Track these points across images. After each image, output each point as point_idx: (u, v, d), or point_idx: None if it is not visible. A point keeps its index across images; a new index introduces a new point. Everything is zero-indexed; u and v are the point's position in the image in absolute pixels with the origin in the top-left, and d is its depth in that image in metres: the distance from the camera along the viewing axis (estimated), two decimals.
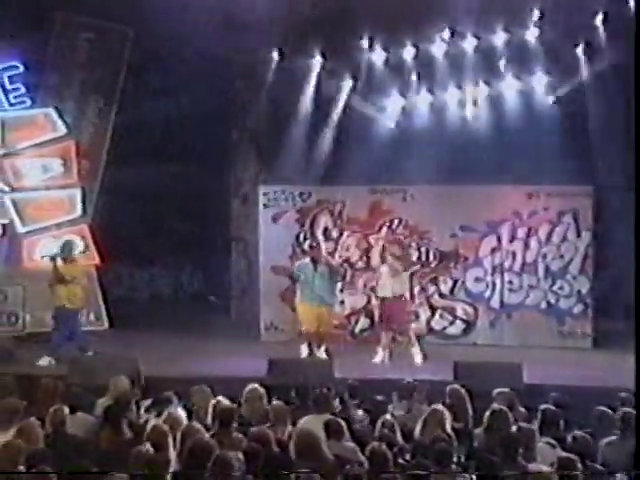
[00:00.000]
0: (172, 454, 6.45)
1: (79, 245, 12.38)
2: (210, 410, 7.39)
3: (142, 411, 7.98)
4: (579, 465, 6.26)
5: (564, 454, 6.50)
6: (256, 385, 8.26)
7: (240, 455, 6.21)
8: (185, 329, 13.19)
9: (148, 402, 8.11)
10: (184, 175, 14.59)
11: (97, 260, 13.48)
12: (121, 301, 14.08)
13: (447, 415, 7.59)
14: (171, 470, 6.14)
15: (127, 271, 15.54)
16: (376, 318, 12.44)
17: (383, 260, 12.16)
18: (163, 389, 8.35)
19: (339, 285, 12.75)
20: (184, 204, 14.83)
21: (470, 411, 8.16)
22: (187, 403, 7.96)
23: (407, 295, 12.13)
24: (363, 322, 13.45)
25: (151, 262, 15.81)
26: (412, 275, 12.65)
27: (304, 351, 11.97)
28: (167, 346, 12.07)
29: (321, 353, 11.95)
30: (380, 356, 11.78)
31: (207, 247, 14.44)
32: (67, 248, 11.87)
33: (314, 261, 12.11)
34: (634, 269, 10.72)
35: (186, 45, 12.24)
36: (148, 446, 6.30)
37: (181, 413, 7.37)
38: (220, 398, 7.62)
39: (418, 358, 11.72)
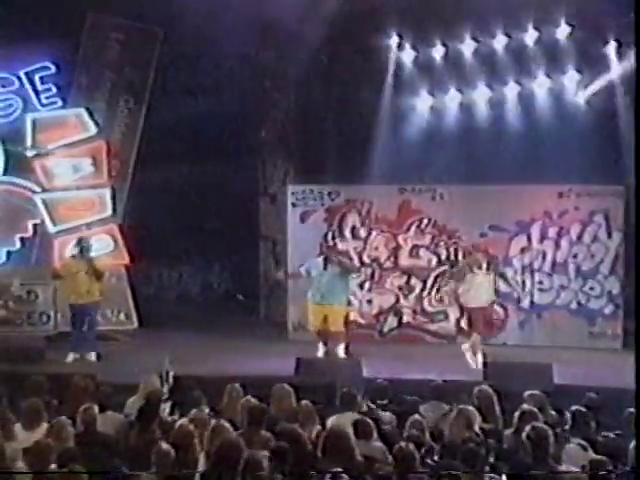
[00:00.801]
0: (199, 453, 6.49)
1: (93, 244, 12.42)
2: (239, 409, 7.41)
3: (170, 410, 8.03)
4: (610, 467, 6.22)
5: (595, 456, 6.45)
6: (284, 384, 8.29)
7: (268, 454, 6.23)
8: (213, 328, 13.25)
9: (176, 401, 8.16)
10: (213, 174, 14.62)
11: (127, 260, 13.56)
12: (150, 300, 14.14)
13: (476, 415, 7.57)
14: (199, 469, 6.17)
15: (156, 270, 15.60)
16: (464, 325, 12.25)
17: (471, 269, 11.78)
18: (192, 388, 8.40)
19: (351, 284, 12.54)
20: (213, 203, 14.87)
21: (499, 412, 8.14)
22: (215, 402, 7.99)
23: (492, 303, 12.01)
24: (391, 321, 13.43)
25: (180, 261, 15.84)
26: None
27: (320, 350, 11.83)
28: (195, 345, 12.12)
29: (340, 352, 11.85)
30: (468, 356, 11.53)
31: (236, 246, 14.45)
32: (84, 246, 11.92)
33: (325, 260, 12.08)
34: (634, 269, 10.71)
35: (215, 45, 12.29)
36: (170, 445, 6.34)
37: (209, 412, 7.40)
38: (249, 397, 7.65)
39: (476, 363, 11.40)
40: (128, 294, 13.68)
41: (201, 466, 6.31)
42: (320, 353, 11.86)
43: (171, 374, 9.23)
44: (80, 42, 13.68)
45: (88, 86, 13.82)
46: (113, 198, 13.59)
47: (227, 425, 6.92)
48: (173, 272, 16.02)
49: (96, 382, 8.79)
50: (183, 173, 14.73)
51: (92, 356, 11.65)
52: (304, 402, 7.90)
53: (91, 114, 13.55)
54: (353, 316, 12.87)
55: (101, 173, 13.57)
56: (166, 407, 8.06)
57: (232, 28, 11.86)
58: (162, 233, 14.31)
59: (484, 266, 11.70)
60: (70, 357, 11.50)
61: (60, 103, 13.64)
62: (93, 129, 13.57)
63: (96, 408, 7.41)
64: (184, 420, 7.10)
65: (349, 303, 12.53)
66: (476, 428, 7.48)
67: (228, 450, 6.12)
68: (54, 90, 13.58)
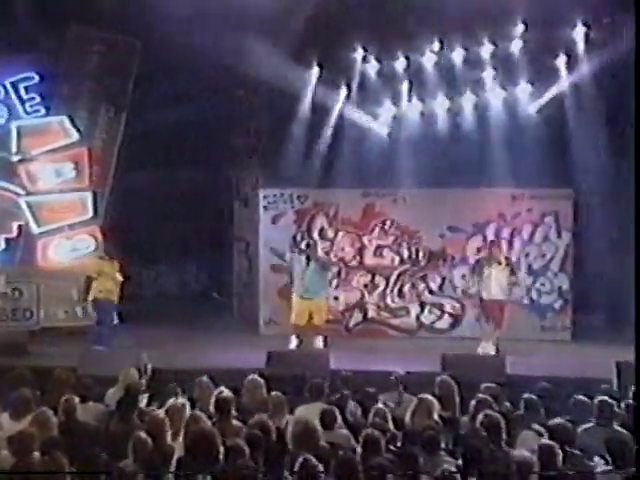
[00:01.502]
0: (176, 442, 6.45)
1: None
2: (212, 400, 7.38)
3: (147, 401, 7.97)
4: (559, 451, 6.27)
5: (545, 441, 6.50)
6: (256, 376, 8.27)
7: (242, 442, 6.20)
8: (190, 324, 13.19)
9: (154, 393, 8.11)
10: (189, 179, 14.58)
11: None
12: (129, 298, 14.04)
13: (435, 404, 7.60)
14: (175, 457, 6.14)
15: (135, 270, 15.47)
16: (480, 317, 12.02)
17: (490, 264, 11.63)
18: (168, 381, 8.35)
19: (329, 280, 12.66)
20: (189, 207, 14.82)
21: (457, 400, 8.18)
22: (191, 394, 7.95)
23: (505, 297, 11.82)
24: (357, 316, 13.46)
25: (158, 261, 15.78)
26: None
27: (293, 342, 11.89)
28: (172, 340, 12.06)
29: (318, 344, 11.92)
30: (482, 347, 11.48)
31: (210, 247, 14.43)
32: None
33: (307, 257, 12.12)
34: (634, 269, 10.81)
35: (190, 56, 12.23)
36: (148, 434, 6.30)
37: (185, 403, 7.35)
38: (222, 388, 7.61)
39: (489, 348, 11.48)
40: None
41: (177, 454, 6.27)
42: (292, 345, 11.91)
43: (149, 367, 9.17)
44: (63, 53, 13.57)
45: (70, 95, 13.72)
46: (94, 201, 13.52)
47: (202, 415, 6.89)
48: (151, 271, 15.96)
49: (77, 374, 8.71)
50: (161, 178, 14.67)
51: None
52: (274, 393, 7.89)
53: (73, 122, 13.47)
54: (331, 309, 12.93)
55: (83, 177, 13.49)
56: (144, 398, 8.01)
57: (206, 39, 11.82)
58: (141, 234, 14.24)
59: (503, 262, 11.61)
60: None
61: (44, 111, 13.53)
62: (75, 136, 13.48)
63: (77, 399, 7.35)
64: (161, 410, 7.05)
65: None
66: (435, 416, 7.51)
67: (203, 439, 6.09)
68: (38, 99, 13.47)
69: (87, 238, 13.38)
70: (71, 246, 13.44)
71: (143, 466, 5.92)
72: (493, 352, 11.27)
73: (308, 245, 12.94)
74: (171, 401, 7.31)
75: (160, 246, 14.80)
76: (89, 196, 13.50)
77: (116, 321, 11.86)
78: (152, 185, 14.58)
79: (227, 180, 14.70)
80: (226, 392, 7.45)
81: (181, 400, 7.37)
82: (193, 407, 7.28)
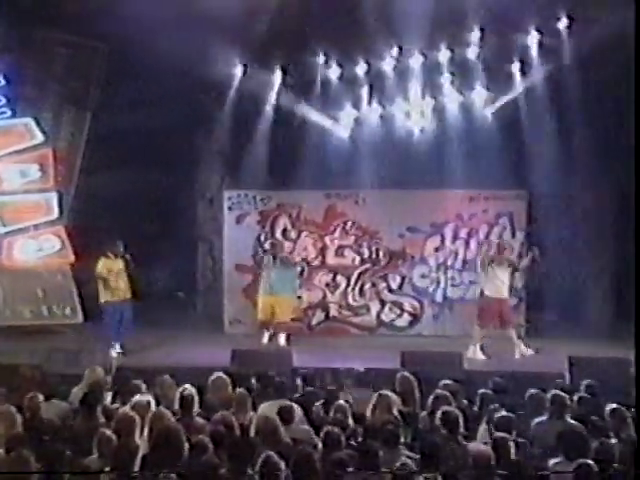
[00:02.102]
0: (141, 439, 6.41)
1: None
2: (176, 397, 7.34)
3: (112, 398, 7.91)
4: (511, 443, 6.34)
5: (499, 433, 6.57)
6: (220, 373, 8.25)
7: (206, 439, 6.18)
8: (155, 323, 13.07)
9: (119, 390, 8.04)
10: (154, 181, 14.44)
11: (72, 259, 13.35)
12: (95, 296, 13.92)
13: (395, 400, 7.64)
14: (140, 454, 6.09)
15: None
16: (479, 313, 11.77)
17: (492, 261, 11.63)
18: (134, 378, 8.29)
19: (296, 278, 12.79)
20: (154, 207, 14.69)
21: (417, 396, 8.23)
22: (155, 392, 7.89)
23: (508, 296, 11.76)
24: (319, 315, 13.47)
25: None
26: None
27: (265, 338, 12.18)
28: (138, 338, 11.96)
29: (281, 340, 12.14)
30: (471, 351, 11.35)
31: (175, 247, 14.30)
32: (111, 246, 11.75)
33: (274, 256, 12.37)
34: (634, 269, 10.93)
35: (155, 59, 12.15)
36: (113, 431, 6.25)
37: (149, 400, 7.31)
38: (186, 386, 7.58)
39: (527, 352, 11.40)
40: (74, 290, 13.47)
41: (142, 451, 6.22)
42: (265, 340, 12.15)
43: (114, 365, 9.10)
44: (28, 56, 13.39)
45: (36, 97, 13.52)
46: (59, 201, 13.37)
47: (166, 412, 6.85)
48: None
49: (42, 372, 8.62)
50: (126, 179, 14.49)
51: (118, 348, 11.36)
52: (239, 390, 7.88)
53: (38, 123, 13.30)
54: (299, 307, 13.00)
55: (48, 178, 13.33)
56: (109, 396, 7.94)
57: (170, 44, 11.76)
58: (106, 234, 14.07)
59: (505, 262, 11.60)
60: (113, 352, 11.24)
61: (9, 113, 13.31)
62: (40, 137, 13.32)
63: (41, 396, 7.27)
64: (126, 407, 7.00)
65: None
66: (395, 411, 7.55)
67: (168, 436, 6.06)
68: (4, 101, 13.26)
69: (52, 238, 13.25)
70: (37, 246, 13.29)
71: (108, 463, 5.87)
72: (482, 357, 11.21)
73: (273, 244, 12.97)
74: (136, 398, 7.26)
75: (125, 246, 14.63)
76: (54, 197, 13.35)
77: (132, 319, 11.64)
78: (117, 186, 14.42)
79: (191, 181, 14.61)
80: (190, 389, 7.42)
81: (145, 397, 7.33)
82: (158, 404, 7.24)
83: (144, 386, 7.88)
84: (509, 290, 11.73)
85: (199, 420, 6.96)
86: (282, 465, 5.66)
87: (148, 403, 7.15)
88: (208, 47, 12.75)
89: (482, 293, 11.73)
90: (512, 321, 11.70)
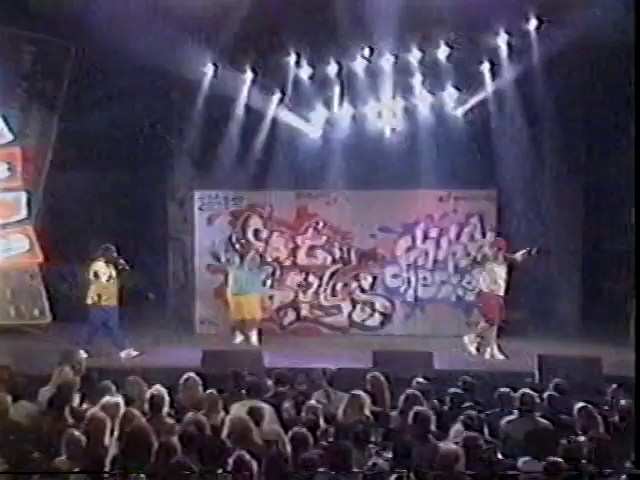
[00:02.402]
0: (110, 440, 6.36)
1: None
2: (147, 398, 7.29)
3: (80, 399, 7.83)
4: (482, 442, 6.37)
5: (469, 433, 6.60)
6: (192, 374, 8.21)
7: (176, 440, 6.15)
8: (125, 323, 12.97)
9: (88, 391, 7.97)
10: (124, 180, 14.37)
11: (41, 258, 13.22)
12: (64, 297, 13.80)
13: (367, 400, 7.64)
14: (110, 455, 6.04)
15: (69, 269, 15.20)
16: (485, 310, 11.77)
17: (496, 258, 11.55)
18: (104, 378, 8.22)
19: (264, 277, 12.91)
20: (125, 207, 14.58)
21: (387, 396, 8.25)
22: (125, 392, 7.83)
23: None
24: (290, 315, 13.46)
25: (92, 261, 15.48)
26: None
27: (238, 338, 12.27)
28: (107, 339, 11.85)
29: (253, 339, 12.24)
30: (474, 347, 11.44)
31: (146, 248, 14.21)
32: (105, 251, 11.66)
33: (241, 256, 12.53)
34: (634, 269, 11.02)
35: (125, 59, 12.07)
36: (82, 432, 6.19)
37: (119, 401, 7.25)
38: (157, 387, 7.53)
39: (499, 355, 11.38)
40: (42, 291, 13.34)
41: (112, 452, 6.17)
42: (237, 340, 12.20)
43: (83, 365, 9.01)
44: None
45: (4, 96, 13.36)
46: (28, 201, 13.23)
47: (137, 412, 6.80)
48: (85, 271, 15.63)
49: (10, 373, 8.51)
50: (96, 179, 14.41)
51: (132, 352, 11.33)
52: (209, 391, 7.85)
53: (7, 122, 13.15)
54: (267, 305, 13.06)
55: (16, 177, 13.18)
56: (77, 397, 7.86)
57: (140, 43, 11.69)
58: (76, 234, 13.96)
59: (500, 258, 11.56)
60: (123, 353, 11.22)
61: None
62: (8, 136, 13.17)
63: (9, 398, 7.18)
64: (95, 408, 6.94)
65: None
66: (367, 411, 7.56)
67: (138, 437, 6.02)
68: None
69: (21, 238, 13.10)
70: (5, 245, 13.14)
71: (77, 464, 5.82)
72: (501, 357, 11.19)
73: (242, 245, 12.95)
74: (105, 399, 7.20)
75: (95, 246, 14.51)
76: (23, 196, 13.21)
77: (117, 324, 11.55)
78: (87, 185, 14.33)
79: (162, 181, 14.53)
80: (160, 390, 7.37)
81: (115, 398, 7.27)
82: (127, 405, 7.18)
83: (114, 387, 7.81)
84: (505, 286, 11.67)
85: (169, 421, 6.91)
86: (254, 465, 5.64)
87: (118, 404, 7.08)
88: (179, 46, 12.69)
89: (481, 291, 11.67)
90: (503, 318, 11.67)
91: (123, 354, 11.24)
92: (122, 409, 6.92)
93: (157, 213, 14.49)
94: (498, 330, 11.99)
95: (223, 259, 13.12)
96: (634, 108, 8.58)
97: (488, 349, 11.36)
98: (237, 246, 13.13)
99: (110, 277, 11.47)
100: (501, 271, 11.54)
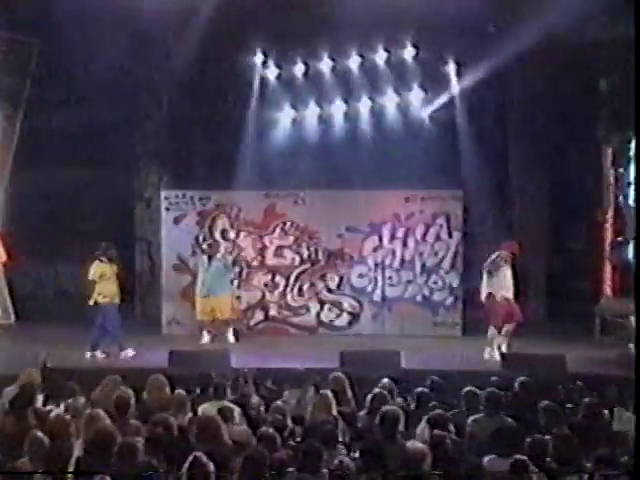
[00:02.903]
0: (75, 441, 6.30)
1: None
2: (113, 399, 7.23)
3: (43, 400, 7.75)
4: (448, 441, 6.41)
5: (436, 431, 6.64)
6: (158, 375, 8.16)
7: (141, 440, 6.10)
8: (89, 324, 12.87)
9: (52, 392, 7.89)
10: (91, 180, 14.26)
11: (4, 258, 13.05)
12: (27, 296, 13.67)
13: (333, 399, 7.65)
14: (75, 457, 5.99)
15: (34, 269, 15.07)
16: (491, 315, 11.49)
17: (507, 262, 11.39)
18: (67, 379, 8.14)
19: (232, 278, 12.85)
20: (91, 207, 14.50)
21: (354, 395, 8.27)
22: (90, 393, 7.77)
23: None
24: (258, 316, 13.43)
25: (57, 260, 15.35)
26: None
27: (205, 338, 12.29)
28: (72, 339, 11.76)
29: (229, 337, 12.33)
30: (487, 352, 11.23)
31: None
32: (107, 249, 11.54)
33: (209, 257, 12.46)
34: (634, 269, 11.09)
35: (91, 57, 11.99)
36: (46, 434, 6.12)
37: (84, 402, 7.19)
38: (123, 387, 7.47)
39: (496, 356, 11.14)
40: (5, 290, 13.20)
41: (76, 453, 6.11)
42: (205, 340, 12.23)
43: (48, 366, 8.93)
44: None
45: None
46: None
47: (102, 413, 6.74)
48: (51, 270, 15.51)
49: None
50: (61, 178, 14.29)
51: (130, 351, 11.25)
52: (177, 391, 7.81)
53: None
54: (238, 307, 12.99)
55: None
56: (41, 397, 7.78)
57: (106, 42, 11.61)
58: (40, 234, 13.84)
59: (509, 261, 11.44)
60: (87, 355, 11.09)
61: None
62: None
63: None
64: (59, 409, 6.87)
65: None
66: (334, 411, 7.57)
67: (103, 438, 5.97)
68: None
69: None
70: None
71: (40, 466, 5.75)
72: (498, 358, 10.91)
73: (210, 245, 12.90)
74: (70, 401, 7.14)
75: (60, 246, 14.41)
76: None
77: (120, 324, 11.51)
78: (52, 185, 14.21)
79: (129, 180, 14.45)
80: (127, 391, 7.32)
81: (80, 399, 7.21)
82: (93, 406, 7.13)
83: (78, 388, 7.75)
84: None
85: (136, 422, 6.86)
86: (211, 466, 5.59)
87: (82, 405, 7.02)
88: (145, 45, 12.63)
89: (490, 295, 11.42)
90: (517, 318, 11.48)
91: (123, 354, 11.18)
92: (87, 410, 6.86)
93: (124, 213, 14.40)
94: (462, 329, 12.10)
95: (192, 260, 13.04)
96: (634, 108, 8.68)
97: (487, 349, 11.32)
98: (205, 246, 13.06)
99: (112, 275, 11.40)
100: (509, 273, 11.43)
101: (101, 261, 11.42)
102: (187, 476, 5.47)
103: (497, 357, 11.06)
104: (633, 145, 13.13)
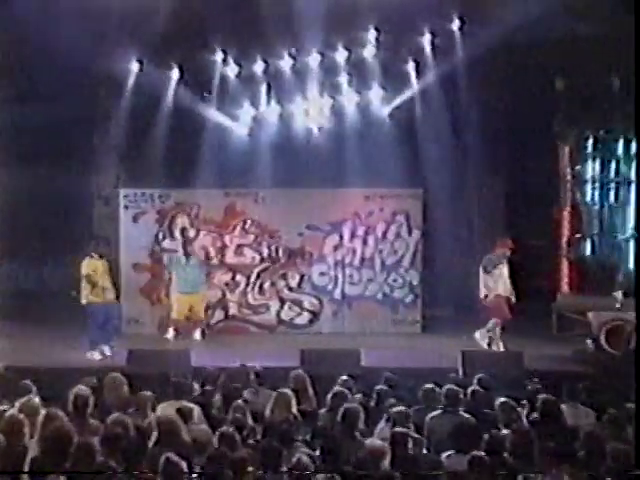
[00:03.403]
0: (30, 441, 6.22)
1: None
2: (70, 398, 7.14)
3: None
4: (408, 438, 6.44)
5: (396, 429, 6.67)
6: (116, 374, 8.10)
7: (97, 441, 6.04)
8: (48, 322, 12.74)
9: (7, 391, 7.78)
10: (49, 177, 14.08)
11: None
12: None
13: (293, 398, 7.65)
14: (29, 457, 5.90)
15: None
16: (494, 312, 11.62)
17: (500, 261, 11.50)
18: (23, 378, 8.03)
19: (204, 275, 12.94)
20: (48, 204, 14.32)
21: (311, 393, 8.28)
22: (47, 392, 7.67)
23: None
24: (218, 314, 13.37)
25: (16, 258, 15.14)
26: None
27: (170, 334, 12.46)
28: (30, 337, 11.61)
29: (196, 335, 12.44)
30: (485, 342, 11.40)
31: (70, 245, 13.96)
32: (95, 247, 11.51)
33: (186, 254, 12.70)
34: (634, 269, 11.14)
35: (49, 54, 11.83)
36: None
37: (39, 401, 7.09)
38: (80, 387, 7.38)
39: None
40: None
41: (31, 453, 6.03)
42: (169, 336, 12.41)
43: (1, 365, 8.80)
44: None
45: None
46: None
47: (59, 413, 6.66)
48: (9, 268, 15.27)
49: None
50: (19, 175, 14.07)
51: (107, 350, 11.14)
52: (135, 390, 7.75)
53: None
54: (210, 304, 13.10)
55: None
56: None
57: (67, 38, 11.47)
58: None
59: (505, 258, 11.52)
60: (95, 355, 11.00)
61: None
62: None
63: None
64: (14, 409, 6.77)
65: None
66: (294, 410, 7.57)
67: (59, 437, 5.90)
68: None
69: None
70: None
71: None
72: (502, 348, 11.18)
73: (185, 241, 12.91)
74: (24, 399, 7.04)
75: (18, 243, 14.21)
76: None
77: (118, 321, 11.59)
78: (10, 182, 13.98)
79: (87, 178, 14.31)
80: (84, 390, 7.24)
81: (35, 398, 7.11)
82: (48, 405, 7.03)
83: (34, 387, 7.65)
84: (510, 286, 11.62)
85: (93, 422, 6.79)
86: (184, 465, 5.59)
87: (38, 404, 6.93)
88: (103, 43, 12.50)
89: (488, 294, 11.54)
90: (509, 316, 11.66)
91: (97, 355, 11.10)
92: (42, 410, 6.77)
93: (82, 211, 14.27)
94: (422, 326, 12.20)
95: (166, 258, 13.06)
96: (634, 107, 8.75)
97: (496, 344, 11.42)
98: (165, 245, 13.02)
99: (103, 273, 11.35)
100: (506, 271, 11.50)
101: (91, 257, 11.35)
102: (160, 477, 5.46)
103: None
104: (590, 143, 13.37)
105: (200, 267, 12.79)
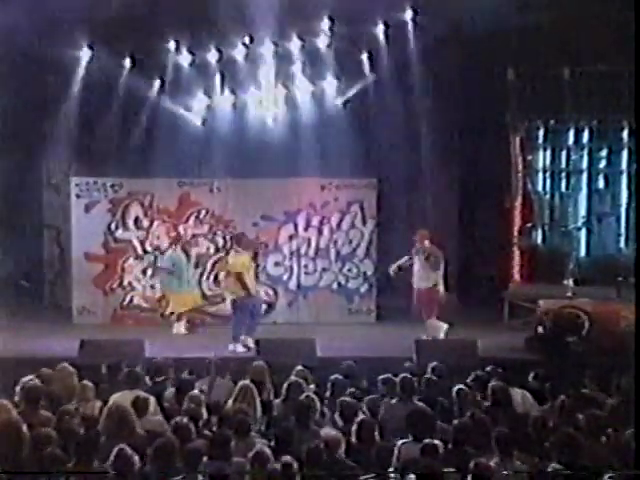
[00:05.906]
0: None
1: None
2: (18, 389, 7.00)
3: None
4: (363, 426, 6.44)
5: (364, 417, 6.67)
6: (66, 364, 7.97)
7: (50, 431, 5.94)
8: None
9: None
10: None
11: None
12: None
13: (253, 389, 7.59)
14: None
15: None
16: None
17: (426, 257, 11.37)
18: None
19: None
20: None
21: (269, 384, 8.24)
22: None
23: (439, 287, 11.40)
24: None
25: None
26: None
27: (182, 328, 12.43)
28: None
29: (182, 329, 12.39)
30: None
31: (20, 234, 13.70)
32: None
33: (185, 251, 12.65)
34: (634, 268, 11.17)
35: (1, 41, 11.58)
36: None
37: None
38: (30, 377, 7.24)
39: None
40: None
41: None
42: (182, 330, 12.38)
43: None
44: None
45: None
46: None
47: (7, 404, 6.52)
48: None
49: None
50: None
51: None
52: (85, 381, 7.64)
53: None
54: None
55: None
56: None
57: (17, 25, 11.23)
58: None
59: (418, 250, 11.46)
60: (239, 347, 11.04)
61: None
62: None
63: None
64: None
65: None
66: (257, 401, 7.52)
67: (8, 429, 5.79)
68: None
69: None
70: None
71: None
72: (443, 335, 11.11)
73: (177, 238, 12.89)
74: None
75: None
76: None
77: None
78: None
79: (37, 166, 14.03)
80: (34, 381, 7.10)
81: None
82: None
83: None
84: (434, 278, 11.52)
85: (44, 413, 6.66)
86: (136, 458, 5.51)
87: None
88: (54, 29, 12.27)
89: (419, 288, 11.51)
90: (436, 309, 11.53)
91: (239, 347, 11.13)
92: None
93: (31, 199, 14.01)
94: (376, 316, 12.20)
95: (104, 248, 12.91)
96: (634, 107, 8.79)
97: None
98: (118, 235, 12.86)
99: (249, 267, 11.59)
100: (427, 265, 11.42)
101: (237, 252, 11.63)
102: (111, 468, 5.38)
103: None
104: (541, 133, 13.50)
105: (187, 263, 12.83)
